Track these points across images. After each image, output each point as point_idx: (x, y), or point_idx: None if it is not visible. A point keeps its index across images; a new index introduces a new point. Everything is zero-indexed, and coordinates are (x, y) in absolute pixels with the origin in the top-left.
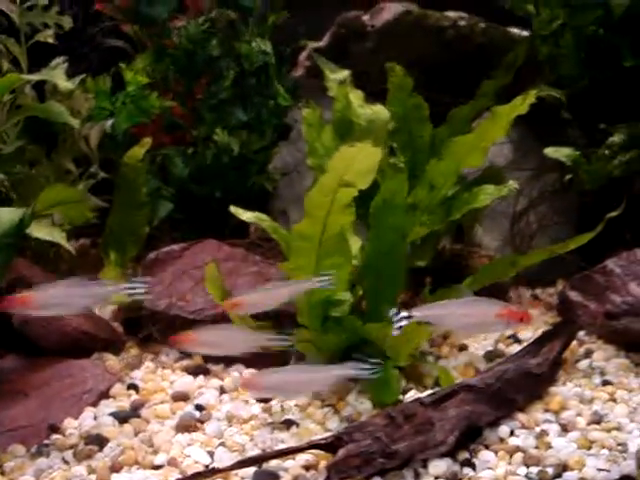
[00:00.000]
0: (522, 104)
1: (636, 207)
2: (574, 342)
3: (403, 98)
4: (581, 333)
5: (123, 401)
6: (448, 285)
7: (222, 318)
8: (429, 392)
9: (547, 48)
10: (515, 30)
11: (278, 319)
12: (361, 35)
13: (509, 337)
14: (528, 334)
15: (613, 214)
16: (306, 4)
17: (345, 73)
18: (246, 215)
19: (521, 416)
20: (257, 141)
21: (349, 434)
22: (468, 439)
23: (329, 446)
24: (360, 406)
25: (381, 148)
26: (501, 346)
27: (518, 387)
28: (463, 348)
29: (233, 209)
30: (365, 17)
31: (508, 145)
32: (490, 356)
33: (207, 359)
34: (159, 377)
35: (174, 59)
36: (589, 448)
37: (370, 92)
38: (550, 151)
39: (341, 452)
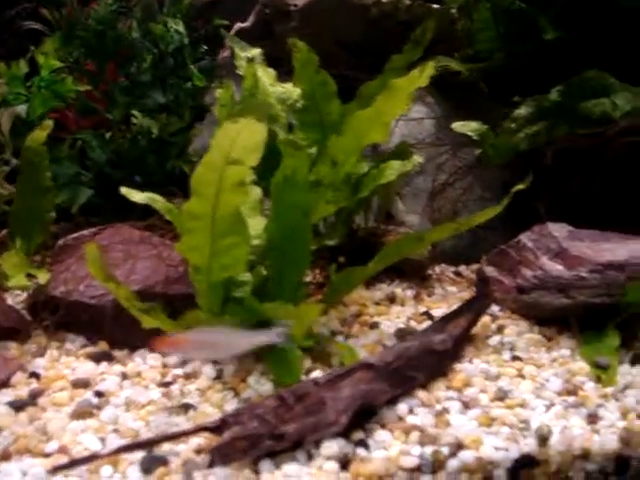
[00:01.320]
0: (420, 76)
1: (548, 179)
2: (487, 318)
3: (309, 75)
4: (495, 309)
5: (22, 390)
6: (354, 265)
7: None
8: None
9: (463, 22)
10: (439, 6)
11: (171, 301)
12: (285, 14)
13: (423, 314)
14: (441, 311)
15: (520, 187)
16: None
17: (255, 51)
18: (138, 196)
19: (422, 394)
20: (176, 123)
21: (236, 416)
22: (364, 419)
23: (216, 429)
24: (261, 388)
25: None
26: (413, 323)
27: (419, 364)
28: (374, 326)
29: (124, 190)
30: None
31: (432, 121)
32: (401, 333)
33: (113, 345)
34: (62, 365)
35: (83, 41)
36: (489, 426)
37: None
38: (458, 125)
39: (226, 434)
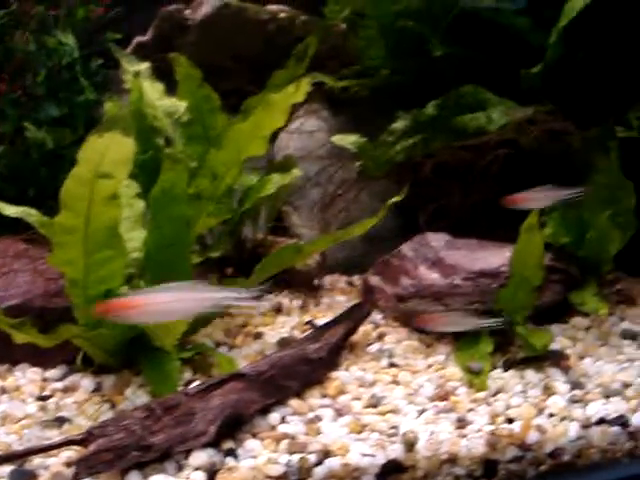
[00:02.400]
0: (296, 92)
1: (429, 190)
2: (369, 326)
3: (192, 89)
4: (378, 317)
5: None
6: (241, 276)
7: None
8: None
9: (352, 38)
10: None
11: (42, 315)
12: (183, 29)
13: (306, 323)
14: (325, 320)
15: (395, 200)
16: None
17: (144, 65)
18: (10, 210)
19: (295, 402)
20: (69, 136)
21: (102, 428)
22: (234, 428)
23: (83, 441)
24: (138, 400)
25: (132, 138)
26: (296, 333)
27: (293, 373)
28: (258, 336)
29: None
30: (186, 11)
31: (326, 133)
32: (283, 343)
33: None
34: None
35: None
36: (360, 432)
37: None
38: (336, 139)
39: (91, 447)
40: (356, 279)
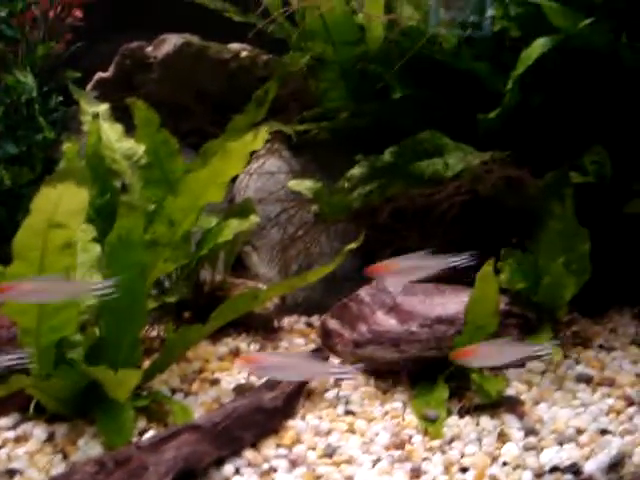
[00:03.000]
0: (254, 140)
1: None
2: None
3: (151, 133)
4: (336, 362)
5: None
6: (199, 320)
7: None
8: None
9: (312, 81)
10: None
11: None
12: (145, 66)
13: None
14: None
15: (352, 246)
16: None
17: (103, 106)
18: None
19: (250, 453)
20: (27, 175)
21: None
22: None
23: None
24: (91, 451)
25: (87, 188)
26: (253, 379)
27: (248, 424)
28: (215, 383)
29: None
30: (148, 48)
31: (288, 174)
32: (240, 389)
33: None
34: None
35: None
36: None
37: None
38: (293, 184)
39: None
40: (316, 320)
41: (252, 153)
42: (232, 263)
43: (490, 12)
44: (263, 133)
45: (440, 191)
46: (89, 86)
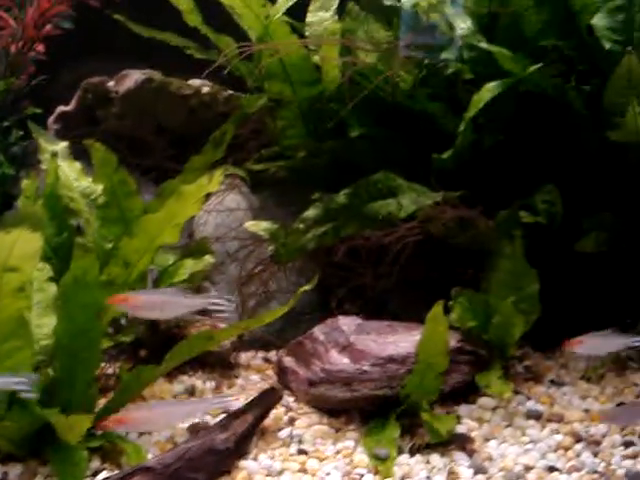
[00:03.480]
0: (209, 183)
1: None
2: (282, 409)
3: (109, 173)
4: (290, 400)
5: None
6: (155, 358)
7: None
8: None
9: (271, 119)
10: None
11: None
12: (106, 100)
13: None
14: (238, 403)
15: (305, 288)
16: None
17: (62, 145)
18: None
19: None
20: None
21: None
22: None
23: None
24: None
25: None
26: (208, 417)
27: (200, 465)
28: None
29: None
30: (110, 83)
31: (247, 210)
32: (194, 429)
33: None
34: None
35: None
36: None
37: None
38: (250, 225)
39: None
40: (273, 355)
41: None
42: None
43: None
44: (218, 176)
45: (393, 232)
46: (51, 119)
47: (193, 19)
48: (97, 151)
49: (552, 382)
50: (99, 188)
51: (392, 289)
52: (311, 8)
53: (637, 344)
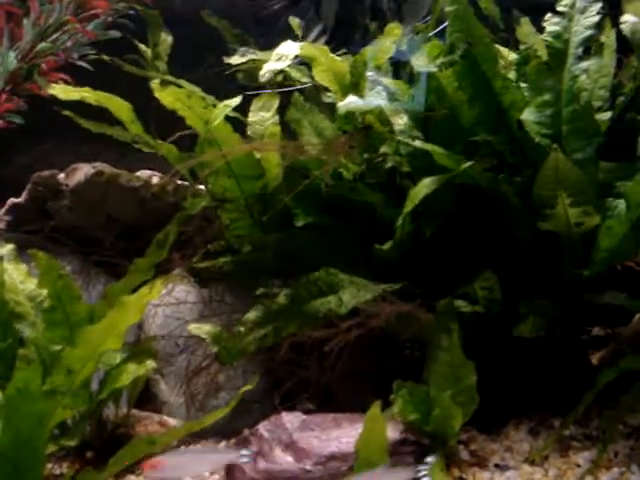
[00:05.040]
0: (151, 293)
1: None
2: None
3: (53, 280)
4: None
5: None
6: (102, 459)
7: None
8: None
9: (217, 213)
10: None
11: None
12: (57, 193)
13: None
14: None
15: (246, 388)
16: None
17: (7, 247)
18: None
19: None
20: None
21: None
22: None
23: None
24: None
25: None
26: None
27: None
28: None
29: None
30: (60, 176)
31: (199, 304)
32: None
33: None
34: None
35: None
36: None
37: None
38: (193, 328)
39: None
40: (223, 445)
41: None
42: (136, 397)
43: (383, 149)
44: (159, 286)
45: (333, 331)
46: (2, 211)
47: (135, 128)
48: (40, 259)
49: (497, 466)
50: (44, 292)
51: (338, 380)
52: (253, 108)
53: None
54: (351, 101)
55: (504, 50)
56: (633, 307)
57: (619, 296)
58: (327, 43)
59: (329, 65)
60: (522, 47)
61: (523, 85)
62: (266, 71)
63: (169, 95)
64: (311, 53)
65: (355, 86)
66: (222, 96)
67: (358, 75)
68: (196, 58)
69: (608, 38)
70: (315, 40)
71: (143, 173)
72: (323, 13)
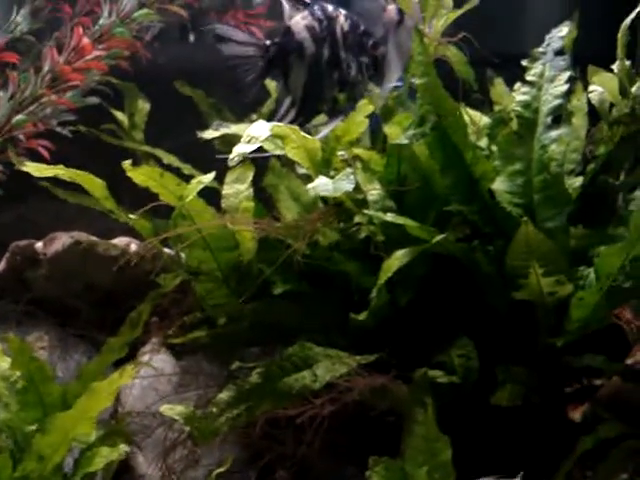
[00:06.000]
0: (122, 377)
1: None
2: None
3: (25, 361)
4: None
5: None
6: None
7: None
8: None
9: (192, 285)
10: None
11: None
12: (35, 262)
13: None
14: None
15: (220, 469)
16: None
17: None
18: None
19: None
20: None
21: None
22: None
23: None
24: None
25: None
26: None
27: None
28: None
29: None
30: (38, 245)
31: (177, 375)
32: None
33: None
34: None
35: None
36: None
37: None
38: (165, 409)
39: None
40: None
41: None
42: (111, 476)
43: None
44: (129, 371)
45: (308, 408)
46: None
47: (109, 204)
48: (12, 342)
49: None
50: (17, 373)
51: (315, 453)
52: (227, 180)
53: None
54: (320, 185)
55: (476, 114)
56: (610, 369)
57: (597, 358)
58: (296, 115)
59: (301, 142)
60: (496, 108)
61: (495, 148)
62: (235, 155)
63: (141, 174)
64: (282, 132)
65: (327, 163)
66: (200, 163)
67: (330, 151)
68: (176, 121)
69: (579, 101)
70: (285, 112)
71: (121, 240)
72: (291, 85)
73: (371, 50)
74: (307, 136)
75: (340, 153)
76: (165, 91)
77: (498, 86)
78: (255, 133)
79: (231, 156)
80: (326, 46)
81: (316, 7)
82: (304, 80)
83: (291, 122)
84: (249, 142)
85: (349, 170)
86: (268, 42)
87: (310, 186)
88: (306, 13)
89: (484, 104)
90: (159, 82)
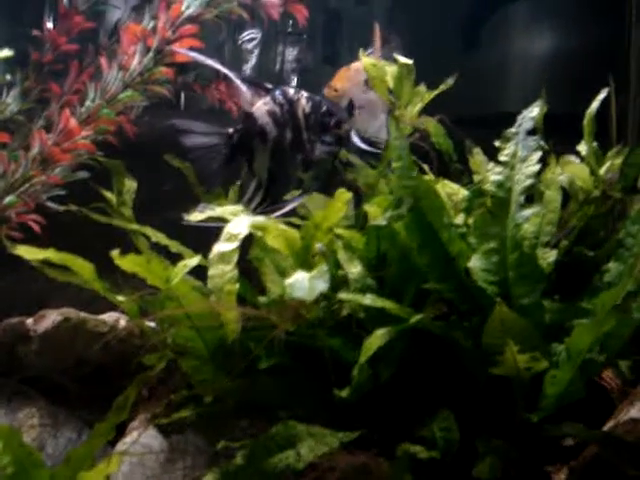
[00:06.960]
0: (109, 466)
1: None
2: None
3: (14, 447)
4: None
5: None
6: None
7: None
8: None
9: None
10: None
11: None
12: (26, 338)
13: None
14: None
15: None
16: None
17: None
18: None
19: None
20: None
21: None
22: None
23: None
24: None
25: None
26: None
27: None
28: None
29: None
30: (29, 321)
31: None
32: None
33: None
34: None
35: None
36: None
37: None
38: None
39: None
40: None
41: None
42: None
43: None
44: (115, 462)
45: None
46: None
47: (97, 285)
48: (2, 428)
49: None
50: (7, 459)
51: None
52: (212, 259)
53: None
54: (295, 284)
55: (454, 187)
56: (589, 438)
57: (576, 426)
58: (262, 198)
59: (280, 232)
60: (475, 177)
61: (472, 222)
62: (215, 254)
63: (129, 262)
64: (261, 225)
65: (306, 249)
66: (189, 239)
67: (309, 238)
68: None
69: (554, 174)
70: (252, 196)
71: (110, 316)
72: (256, 169)
73: (334, 128)
74: (285, 227)
75: (317, 245)
76: (152, 164)
77: (477, 156)
78: (234, 230)
79: (211, 255)
80: (288, 129)
81: (277, 92)
82: (268, 164)
83: (258, 205)
84: (229, 240)
85: (324, 268)
86: (230, 130)
87: (286, 283)
88: (268, 99)
89: (463, 174)
90: (146, 154)
